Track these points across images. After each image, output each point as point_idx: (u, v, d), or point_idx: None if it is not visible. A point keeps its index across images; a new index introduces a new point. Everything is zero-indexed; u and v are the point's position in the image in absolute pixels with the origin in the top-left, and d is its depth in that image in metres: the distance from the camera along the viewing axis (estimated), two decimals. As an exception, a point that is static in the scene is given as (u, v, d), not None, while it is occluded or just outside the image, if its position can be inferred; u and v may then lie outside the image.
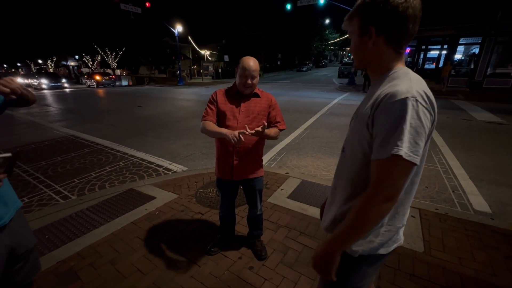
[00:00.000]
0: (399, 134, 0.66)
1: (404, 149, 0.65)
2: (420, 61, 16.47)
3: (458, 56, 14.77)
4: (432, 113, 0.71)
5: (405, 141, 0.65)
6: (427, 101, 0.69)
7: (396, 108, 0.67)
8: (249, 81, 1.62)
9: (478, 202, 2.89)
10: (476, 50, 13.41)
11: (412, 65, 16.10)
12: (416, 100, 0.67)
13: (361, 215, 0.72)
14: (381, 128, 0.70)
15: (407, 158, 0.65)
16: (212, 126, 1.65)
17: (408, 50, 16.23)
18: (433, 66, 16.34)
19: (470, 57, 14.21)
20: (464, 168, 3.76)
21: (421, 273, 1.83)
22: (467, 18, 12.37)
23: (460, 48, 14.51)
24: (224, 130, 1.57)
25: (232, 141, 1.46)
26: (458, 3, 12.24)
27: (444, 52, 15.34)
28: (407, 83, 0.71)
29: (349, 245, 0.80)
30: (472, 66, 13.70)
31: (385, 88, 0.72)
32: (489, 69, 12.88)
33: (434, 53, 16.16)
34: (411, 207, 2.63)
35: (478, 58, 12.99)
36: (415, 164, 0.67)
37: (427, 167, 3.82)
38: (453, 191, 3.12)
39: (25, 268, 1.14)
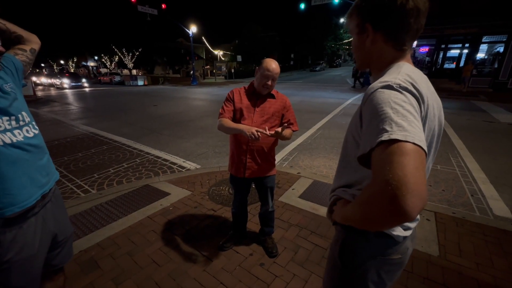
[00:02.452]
0: (383, 119, 0.56)
1: (395, 132, 0.53)
2: (440, 61, 15.86)
3: (480, 55, 14.09)
4: (420, 101, 0.62)
5: (392, 124, 0.54)
6: (411, 87, 0.61)
7: (376, 96, 0.60)
8: (269, 83, 1.66)
9: (499, 207, 2.77)
10: (501, 49, 12.75)
11: (431, 64, 15.54)
12: (399, 85, 0.60)
13: (364, 211, 0.57)
14: (366, 118, 0.62)
15: (402, 138, 0.51)
16: (229, 122, 1.69)
17: (426, 49, 15.69)
18: (453, 65, 15.69)
19: (494, 56, 13.53)
20: (484, 171, 3.62)
21: (435, 277, 1.79)
22: (492, 16, 11.78)
23: (483, 47, 13.84)
24: (241, 126, 1.61)
25: (250, 137, 1.50)
26: (483, 2, 11.69)
27: (465, 51, 14.70)
28: (394, 75, 0.65)
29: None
30: (496, 66, 13.04)
31: (374, 83, 0.67)
32: (514, 69, 12.22)
33: (454, 52, 15.51)
34: (426, 210, 2.58)
35: (503, 57, 12.36)
36: (415, 145, 0.51)
37: (444, 169, 3.70)
38: (471, 195, 3.02)
39: (61, 254, 1.23)
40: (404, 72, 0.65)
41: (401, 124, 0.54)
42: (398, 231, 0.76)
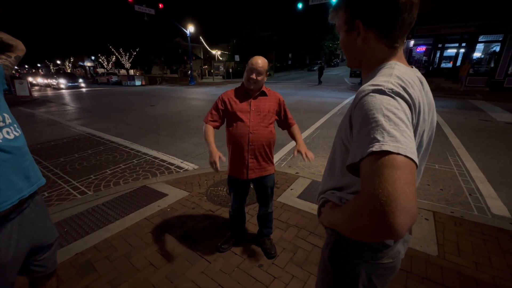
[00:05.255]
0: (374, 127, 0.53)
1: (386, 142, 0.50)
2: (437, 60, 15.93)
3: (477, 55, 14.18)
4: (412, 107, 0.60)
5: (384, 133, 0.51)
6: (404, 92, 0.59)
7: (367, 100, 0.58)
8: (253, 76, 1.66)
9: (497, 206, 2.78)
10: (497, 48, 12.85)
11: (428, 64, 15.62)
12: (391, 90, 0.58)
13: (352, 223, 0.55)
14: (356, 124, 0.60)
15: (393, 150, 0.49)
16: (209, 134, 1.77)
17: (423, 48, 15.76)
18: (450, 65, 15.77)
19: (490, 56, 13.62)
20: (482, 170, 3.63)
21: (434, 276, 1.78)
22: (488, 15, 11.86)
23: (480, 46, 13.93)
24: (211, 147, 1.70)
25: (210, 165, 1.66)
26: (479, 2, 11.76)
27: (462, 50, 14.77)
28: (386, 77, 0.62)
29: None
30: (492, 65, 13.13)
31: (365, 85, 0.64)
32: (510, 68, 12.32)
33: (451, 51, 15.58)
34: (425, 209, 2.58)
35: (499, 56, 12.45)
36: (407, 157, 0.49)
37: (442, 169, 3.71)
38: (469, 194, 3.02)
39: (44, 260, 1.18)
40: (396, 74, 0.63)
41: (393, 134, 0.51)
42: None
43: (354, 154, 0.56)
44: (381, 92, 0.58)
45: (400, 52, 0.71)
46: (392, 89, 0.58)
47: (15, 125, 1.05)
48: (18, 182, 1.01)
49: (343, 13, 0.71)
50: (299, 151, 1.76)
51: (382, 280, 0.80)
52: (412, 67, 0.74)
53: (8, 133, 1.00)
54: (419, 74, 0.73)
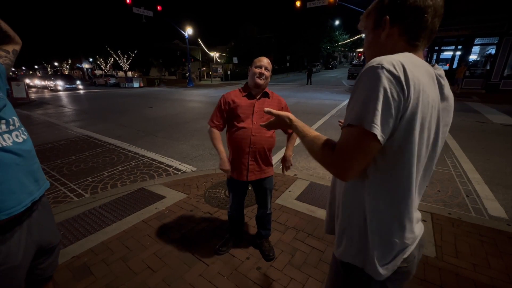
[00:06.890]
0: (356, 102, 0.64)
1: (359, 117, 0.62)
2: (433, 62, 15.92)
3: (473, 57, 14.32)
4: (405, 88, 0.60)
5: (362, 109, 0.62)
6: (399, 71, 0.60)
7: (360, 78, 0.65)
8: (262, 70, 1.68)
9: (494, 207, 2.79)
10: (493, 51, 12.97)
11: (425, 66, 15.73)
12: (382, 67, 0.60)
13: (315, 153, 0.82)
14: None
15: (365, 127, 0.61)
16: (217, 140, 1.80)
17: (420, 51, 15.88)
18: (446, 67, 15.91)
19: (486, 58, 13.75)
20: (479, 172, 3.65)
21: (432, 278, 1.78)
22: (484, 18, 12.00)
23: (475, 49, 14.06)
24: (221, 155, 1.76)
25: (222, 170, 1.78)
26: (475, 3, 11.90)
27: (458, 53, 14.91)
28: (388, 56, 0.64)
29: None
30: (488, 67, 13.26)
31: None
32: (506, 70, 12.44)
33: (447, 54, 15.72)
34: (422, 211, 2.58)
35: (495, 59, 12.57)
36: (372, 134, 0.60)
37: (439, 170, 3.72)
38: (467, 196, 3.03)
39: (47, 263, 1.18)
40: (398, 58, 0.63)
41: (365, 110, 0.62)
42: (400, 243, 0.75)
43: (345, 121, 0.69)
44: (371, 68, 0.63)
45: (420, 52, 0.75)
46: (381, 65, 0.61)
47: (22, 128, 1.06)
48: (29, 185, 1.02)
49: (373, 14, 0.78)
50: (282, 161, 1.93)
51: (396, 285, 0.79)
52: (434, 65, 0.74)
53: (17, 136, 1.00)
54: (440, 71, 0.73)
